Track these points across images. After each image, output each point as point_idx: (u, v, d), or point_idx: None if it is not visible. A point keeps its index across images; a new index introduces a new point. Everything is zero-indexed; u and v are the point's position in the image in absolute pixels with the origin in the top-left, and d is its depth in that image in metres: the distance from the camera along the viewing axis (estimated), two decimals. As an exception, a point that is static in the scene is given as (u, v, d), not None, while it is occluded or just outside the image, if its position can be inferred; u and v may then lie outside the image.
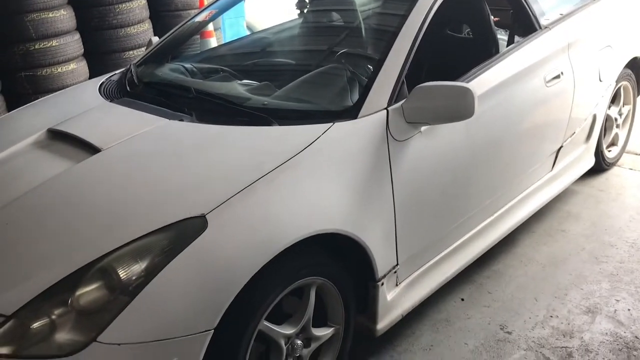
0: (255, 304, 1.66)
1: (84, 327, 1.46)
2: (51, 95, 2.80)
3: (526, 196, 2.83)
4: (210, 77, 2.60)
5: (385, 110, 2.02)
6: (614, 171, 3.66)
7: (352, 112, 2.01)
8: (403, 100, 2.05)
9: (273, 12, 4.21)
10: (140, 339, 1.46)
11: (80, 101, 2.44)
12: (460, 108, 1.97)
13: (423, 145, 2.09)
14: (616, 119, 3.56)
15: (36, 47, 4.21)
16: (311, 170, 1.82)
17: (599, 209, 3.23)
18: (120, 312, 1.46)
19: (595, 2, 3.18)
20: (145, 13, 4.85)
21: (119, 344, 1.44)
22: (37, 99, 3.00)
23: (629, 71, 3.46)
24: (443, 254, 2.36)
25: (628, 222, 3.08)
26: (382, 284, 2.04)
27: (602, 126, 3.33)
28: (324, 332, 1.95)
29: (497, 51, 2.67)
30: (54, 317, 1.47)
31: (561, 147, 2.95)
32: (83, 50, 4.55)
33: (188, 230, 1.57)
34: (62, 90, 2.88)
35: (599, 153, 3.43)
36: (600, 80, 3.09)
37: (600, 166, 3.52)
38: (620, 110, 3.59)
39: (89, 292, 1.50)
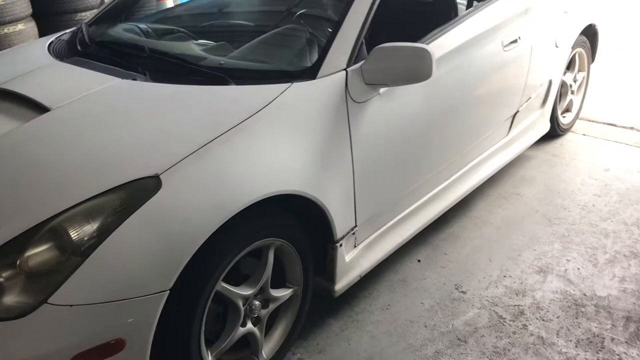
0: (212, 265, 1.65)
1: (34, 289, 1.43)
2: (-4, 54, 2.68)
3: (482, 160, 2.87)
4: (165, 38, 2.52)
5: (344, 71, 2.00)
6: (568, 137, 3.75)
7: (310, 73, 1.98)
8: (362, 62, 2.03)
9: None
10: (94, 300, 1.43)
11: (28, 60, 2.34)
12: (418, 69, 1.96)
13: (382, 108, 2.09)
14: (571, 86, 3.63)
15: (-19, 5, 4.01)
16: (268, 131, 1.80)
17: (552, 173, 3.31)
18: (72, 273, 1.43)
19: (553, -33, 3.20)
20: (99, -28, 4.67)
21: (71, 305, 1.41)
22: (-18, 59, 2.86)
23: (584, 38, 3.52)
24: (400, 216, 2.39)
25: (580, 186, 3.17)
26: (341, 245, 2.05)
27: (557, 92, 3.39)
28: (282, 293, 1.96)
29: (456, 14, 2.67)
30: (1, 279, 1.43)
31: (517, 112, 2.99)
32: (31, 10, 4.37)
33: (141, 190, 1.53)
34: (8, 49, 2.76)
35: (553, 119, 3.50)
36: (557, 46, 3.14)
37: (555, 132, 3.60)
38: (575, 77, 3.66)
39: (38, 253, 1.45)
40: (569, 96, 3.66)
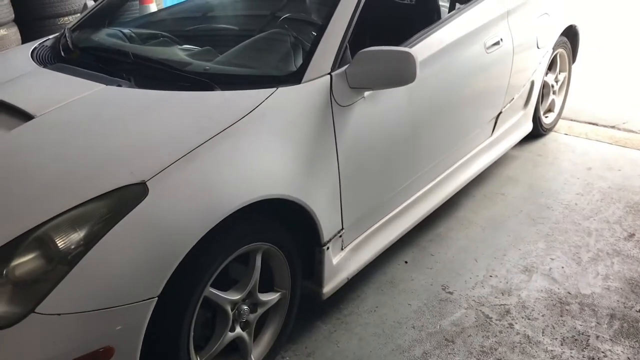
0: (200, 270, 1.65)
1: (21, 298, 1.42)
2: (-22, 61, 2.65)
3: (467, 161, 2.90)
4: (150, 43, 2.52)
5: (328, 76, 2.01)
6: (550, 136, 3.79)
7: (295, 77, 1.99)
8: (346, 66, 2.04)
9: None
10: (82, 308, 1.42)
11: (11, 67, 2.32)
12: (402, 73, 1.98)
13: (366, 111, 2.10)
14: (553, 86, 3.68)
15: (-39, 11, 3.97)
16: (254, 136, 1.80)
17: (536, 173, 3.35)
18: (59, 282, 1.42)
19: (533, -30, 3.24)
20: (81, -24, 4.64)
21: (59, 314, 1.41)
22: (-37, 65, 2.83)
23: (565, 39, 3.56)
24: (387, 217, 2.40)
25: (563, 185, 3.21)
26: (328, 248, 2.06)
27: (539, 92, 3.43)
28: (270, 297, 1.97)
29: (439, 17, 2.69)
30: (-12, 289, 1.42)
31: (500, 112, 3.03)
32: (14, 15, 4.33)
33: (128, 197, 1.53)
34: (-9, 56, 2.73)
35: (536, 119, 3.54)
36: (538, 47, 3.18)
37: (538, 131, 3.64)
38: (556, 77, 3.71)
39: (25, 262, 1.45)
40: (551, 96, 3.70)
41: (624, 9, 6.59)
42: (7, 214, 1.54)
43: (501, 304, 2.33)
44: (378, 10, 2.64)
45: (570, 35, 3.62)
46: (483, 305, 2.33)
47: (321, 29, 2.12)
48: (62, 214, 1.49)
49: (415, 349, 2.12)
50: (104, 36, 2.57)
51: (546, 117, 3.74)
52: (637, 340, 2.14)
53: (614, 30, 5.90)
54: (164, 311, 1.56)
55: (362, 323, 2.25)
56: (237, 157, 1.74)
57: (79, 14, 4.31)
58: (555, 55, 3.56)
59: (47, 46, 2.54)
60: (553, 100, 3.74)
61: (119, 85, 2.01)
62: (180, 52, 2.32)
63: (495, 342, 2.14)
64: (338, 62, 2.05)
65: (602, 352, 2.09)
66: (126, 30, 2.63)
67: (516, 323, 2.23)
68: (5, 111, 1.94)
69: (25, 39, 4.27)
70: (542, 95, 3.58)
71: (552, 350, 2.10)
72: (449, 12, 2.79)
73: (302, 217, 1.95)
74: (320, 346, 2.14)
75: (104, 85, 2.01)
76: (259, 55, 2.28)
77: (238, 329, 1.87)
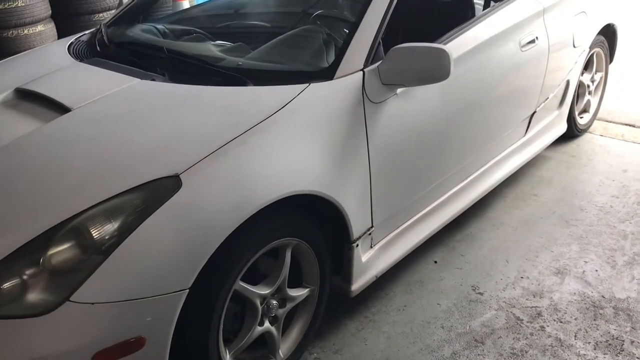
0: (230, 264, 1.66)
1: (57, 286, 1.44)
2: (17, 55, 2.72)
3: (499, 161, 2.86)
4: (183, 38, 2.54)
5: (361, 72, 2.00)
6: (585, 137, 3.72)
7: (328, 73, 1.99)
8: (379, 62, 2.03)
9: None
10: (114, 298, 1.44)
11: (49, 61, 2.37)
12: (435, 70, 1.96)
13: (399, 108, 2.08)
14: (588, 86, 3.60)
15: (1, 7, 4.06)
16: (286, 131, 1.81)
17: (570, 174, 3.29)
18: (93, 272, 1.44)
19: (571, -33, 3.18)
20: (116, -26, 4.72)
21: (92, 303, 1.43)
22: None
23: (602, 38, 3.49)
24: (417, 216, 2.38)
25: (597, 187, 3.14)
26: (357, 245, 2.05)
27: (574, 92, 3.36)
28: (299, 293, 1.97)
29: (473, 15, 2.66)
30: (25, 277, 1.45)
31: (534, 112, 2.98)
32: (51, 11, 4.42)
33: (162, 189, 1.55)
34: (30, 50, 2.79)
35: (571, 119, 3.47)
36: (574, 47, 3.11)
37: (572, 132, 3.57)
38: (592, 77, 3.63)
39: (61, 251, 1.47)
40: (587, 97, 3.63)
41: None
42: (44, 204, 1.57)
43: (532, 306, 2.29)
44: (412, 7, 2.62)
45: (608, 34, 3.54)
46: (514, 306, 2.29)
47: (354, 25, 2.11)
48: (98, 205, 1.52)
49: (444, 349, 2.10)
50: (139, 32, 2.61)
51: (581, 117, 3.66)
52: (673, 347, 2.09)
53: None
54: (195, 303, 1.57)
55: (390, 322, 2.23)
56: (269, 152, 1.74)
57: (113, 11, 4.39)
58: (592, 55, 3.49)
59: (83, 41, 2.59)
60: (589, 101, 3.67)
61: (153, 80, 2.04)
62: (213, 48, 2.34)
63: (526, 344, 2.11)
64: (371, 58, 2.04)
65: (638, 358, 2.04)
66: (160, 26, 2.67)
67: (548, 326, 2.19)
68: (43, 104, 1.98)
69: (61, 35, 4.36)
70: (578, 96, 3.51)
71: (584, 355, 2.06)
72: (483, 10, 2.75)
73: (332, 213, 1.95)
74: (348, 343, 2.14)
75: (139, 80, 2.04)
76: (291, 51, 2.29)
77: (267, 324, 1.87)
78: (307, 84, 1.93)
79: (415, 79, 2.01)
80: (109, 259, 1.46)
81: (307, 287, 2.00)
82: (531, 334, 2.16)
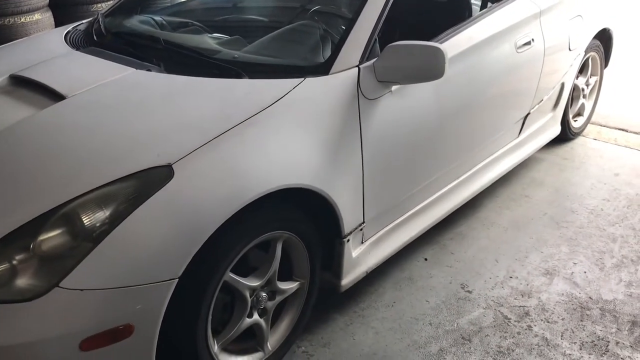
0: (221, 254, 1.67)
1: (46, 272, 1.45)
2: (14, 42, 2.71)
3: (492, 161, 2.88)
4: (180, 30, 2.55)
5: (356, 68, 2.01)
6: (578, 141, 3.74)
7: (323, 68, 2.00)
8: (375, 59, 2.04)
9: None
10: (104, 285, 1.45)
11: (45, 49, 2.37)
12: (430, 68, 1.97)
13: (393, 105, 2.10)
14: (583, 89, 3.63)
15: (-2, -6, 4.05)
16: (280, 125, 1.82)
17: (562, 177, 3.31)
18: (83, 259, 1.45)
19: (568, -30, 3.19)
20: (115, -36, 4.70)
21: (81, 290, 1.43)
22: (-2, 47, 2.90)
23: (598, 42, 3.51)
24: (408, 214, 2.40)
25: (589, 190, 3.16)
26: (348, 240, 2.06)
27: (569, 95, 3.38)
28: (289, 286, 1.98)
29: (470, 15, 2.67)
30: (15, 262, 1.45)
31: (528, 114, 2.99)
32: (49, 0, 4.40)
33: (154, 179, 1.56)
34: (26, 38, 2.79)
35: (565, 122, 3.50)
36: (570, 50, 3.13)
37: (566, 135, 3.59)
38: (587, 80, 3.65)
39: (51, 237, 1.48)
40: (581, 100, 3.65)
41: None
42: (37, 190, 1.57)
43: (520, 306, 2.31)
44: (409, 6, 2.64)
45: (604, 38, 3.56)
46: (502, 305, 2.31)
47: (351, 22, 2.12)
48: (89, 192, 1.52)
49: (431, 346, 2.12)
50: (136, 22, 2.61)
51: (575, 120, 3.69)
52: (658, 349, 2.11)
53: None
54: (184, 293, 1.58)
55: (379, 317, 2.25)
56: (262, 144, 1.75)
57: (111, 1, 4.38)
58: (587, 59, 3.51)
59: (80, 30, 2.59)
60: (583, 104, 3.69)
61: (149, 70, 2.04)
62: (210, 40, 2.34)
63: (513, 343, 2.13)
64: (367, 55, 2.05)
65: (622, 358, 2.06)
66: (157, 18, 2.67)
67: (535, 325, 2.21)
68: (38, 91, 1.98)
69: (58, 24, 4.34)
70: (572, 99, 3.53)
71: (570, 354, 2.08)
72: (480, 10, 2.77)
73: (324, 208, 1.96)
74: (336, 337, 2.15)
75: (134, 70, 2.04)
76: (288, 45, 2.29)
77: (256, 316, 1.88)
78: (303, 79, 1.94)
79: (410, 76, 2.02)
80: (99, 246, 1.46)
81: (297, 281, 2.01)
82: (518, 333, 2.17)
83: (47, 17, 4.34)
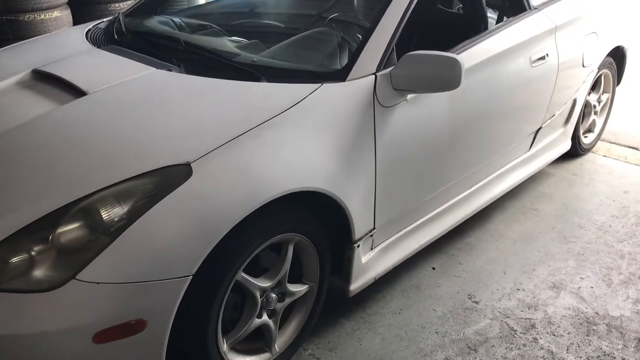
0: (234, 254, 1.69)
1: (64, 264, 1.47)
2: (34, 38, 2.75)
3: (502, 174, 2.89)
4: (199, 32, 2.58)
5: (373, 76, 2.03)
6: (588, 157, 3.75)
7: (340, 75, 2.02)
8: (392, 67, 2.07)
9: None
10: (120, 279, 1.47)
11: (67, 45, 2.40)
12: (447, 78, 1.99)
13: (408, 113, 2.12)
14: (595, 106, 3.64)
15: (19, -9, 4.10)
16: (296, 128, 1.84)
17: (571, 192, 3.32)
18: (100, 252, 1.47)
19: (584, -13, 3.22)
20: (134, -35, 4.75)
21: (97, 283, 1.45)
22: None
23: (611, 60, 3.52)
24: (418, 222, 2.41)
25: (598, 206, 3.17)
26: (358, 246, 2.08)
27: (580, 111, 3.40)
28: (298, 288, 1.99)
29: (486, 28, 2.69)
30: (33, 253, 1.48)
31: (540, 128, 3.01)
32: (67, -2, 4.46)
33: (173, 176, 1.58)
34: (47, 34, 2.84)
35: (575, 138, 3.51)
36: (584, 66, 3.15)
37: (576, 151, 3.61)
38: (599, 97, 3.66)
39: (70, 230, 1.50)
40: (592, 116, 3.66)
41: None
42: (57, 183, 1.60)
43: (527, 318, 2.32)
44: (427, 17, 2.67)
45: (617, 56, 3.58)
46: (508, 317, 2.32)
47: (369, 30, 2.15)
48: (109, 187, 1.55)
49: (437, 354, 2.13)
50: (156, 23, 2.65)
51: (585, 137, 3.70)
52: (663, 367, 2.11)
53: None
54: (197, 290, 1.60)
55: (385, 324, 2.26)
56: (278, 147, 1.77)
57: (130, 1, 4.43)
58: (600, 76, 3.53)
59: (101, 28, 2.62)
60: (594, 121, 3.70)
61: (169, 70, 2.07)
62: (229, 43, 2.37)
63: (518, 354, 2.14)
64: (384, 63, 2.07)
65: (627, 375, 2.07)
66: (176, 19, 2.70)
67: (541, 338, 2.22)
68: (60, 86, 2.01)
69: (76, 22, 4.38)
70: (583, 115, 3.54)
71: (575, 368, 2.09)
72: (496, 24, 2.79)
73: (336, 212, 1.98)
74: (343, 342, 2.16)
75: (155, 69, 2.07)
76: (306, 51, 2.32)
77: (265, 316, 1.90)
78: (320, 84, 1.96)
79: (426, 85, 2.05)
80: (116, 241, 1.48)
81: (306, 284, 2.03)
82: (524, 345, 2.18)
83: (65, 14, 4.39)
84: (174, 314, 1.56)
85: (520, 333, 2.24)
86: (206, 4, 3.67)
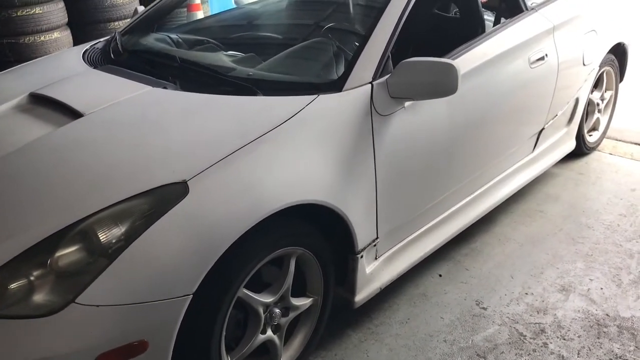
0: (234, 271, 1.68)
1: (63, 288, 1.47)
2: (33, 60, 2.77)
3: (506, 176, 2.86)
4: (195, 48, 2.58)
5: (370, 85, 2.02)
6: (594, 155, 3.71)
7: (337, 85, 2.01)
8: (388, 75, 2.05)
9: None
10: (119, 301, 1.46)
11: (63, 67, 2.42)
12: (443, 84, 1.97)
13: (406, 121, 2.10)
14: (598, 104, 3.61)
15: (19, 14, 4.14)
16: (294, 141, 1.83)
17: (577, 192, 3.28)
18: (99, 275, 1.46)
19: (582, -15, 3.20)
20: (132, -17, 4.79)
21: (97, 306, 1.45)
22: (19, 66, 2.95)
23: (612, 57, 3.49)
24: (422, 229, 2.39)
25: (605, 205, 3.14)
26: (362, 256, 2.06)
27: (584, 110, 3.37)
28: (302, 302, 1.98)
29: (484, 31, 2.68)
30: (32, 278, 1.47)
31: (543, 129, 2.98)
32: (67, 19, 4.49)
33: (169, 195, 1.57)
34: (45, 56, 2.84)
35: (580, 137, 3.47)
36: (584, 64, 3.12)
37: (581, 150, 3.57)
38: (602, 95, 3.63)
39: (68, 254, 1.50)
40: (596, 115, 3.63)
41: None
42: (54, 206, 1.60)
43: (536, 322, 2.29)
44: (422, 23, 2.65)
45: (619, 53, 3.54)
46: (517, 322, 2.29)
47: (364, 39, 2.14)
48: (106, 209, 1.54)
49: (446, 363, 2.10)
50: (152, 40, 2.65)
51: (590, 135, 3.66)
52: (677, 368, 2.07)
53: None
54: (198, 309, 1.58)
55: (392, 334, 2.24)
56: (276, 161, 1.76)
57: (128, 19, 4.45)
58: (602, 73, 3.50)
59: (97, 48, 2.63)
60: (598, 119, 3.67)
61: (165, 88, 2.07)
62: (224, 58, 2.37)
63: (529, 360, 2.11)
64: (380, 71, 2.06)
65: (640, 378, 2.03)
66: (173, 36, 2.71)
67: (551, 342, 2.19)
68: (56, 109, 2.02)
69: (76, 42, 4.41)
70: (587, 114, 3.51)
71: (587, 373, 2.05)
72: (493, 26, 2.77)
73: (338, 224, 1.96)
74: (350, 354, 2.14)
75: (151, 87, 2.07)
76: (302, 63, 2.31)
77: (269, 332, 1.89)
78: (316, 95, 1.95)
79: (423, 92, 2.03)
80: (115, 263, 1.48)
81: (310, 297, 2.01)
82: (534, 350, 2.15)
83: (65, 35, 4.43)
84: (175, 333, 1.55)
85: (530, 338, 2.21)
86: (203, 18, 3.67)
